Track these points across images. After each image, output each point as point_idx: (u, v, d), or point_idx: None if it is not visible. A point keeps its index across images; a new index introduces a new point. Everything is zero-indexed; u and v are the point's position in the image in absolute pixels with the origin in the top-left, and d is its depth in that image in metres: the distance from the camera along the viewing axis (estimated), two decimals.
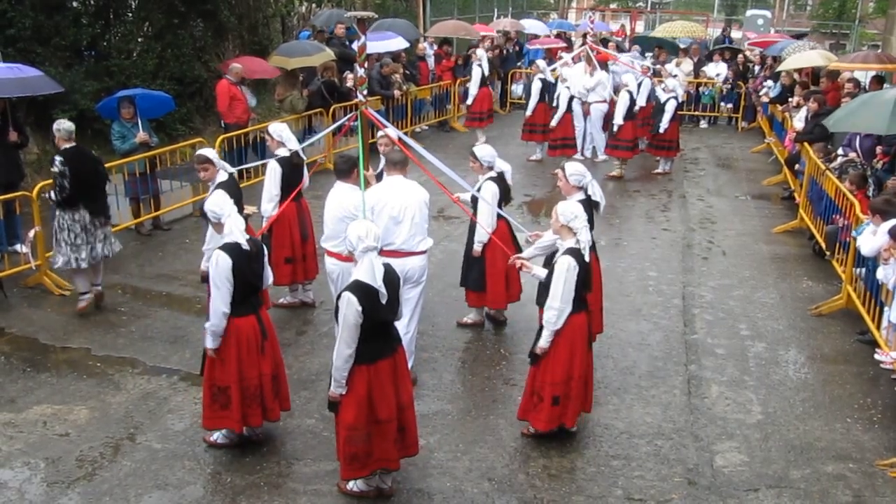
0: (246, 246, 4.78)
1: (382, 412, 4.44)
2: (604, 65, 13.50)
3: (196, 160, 6.43)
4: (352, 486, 4.73)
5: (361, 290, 4.26)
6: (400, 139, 6.43)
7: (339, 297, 4.33)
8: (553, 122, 12.35)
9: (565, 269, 4.91)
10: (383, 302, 4.32)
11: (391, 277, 4.45)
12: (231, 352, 4.84)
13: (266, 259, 5.10)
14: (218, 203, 4.92)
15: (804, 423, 5.65)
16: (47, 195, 7.13)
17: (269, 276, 5.18)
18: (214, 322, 4.80)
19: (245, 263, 4.78)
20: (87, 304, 7.15)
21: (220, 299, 4.76)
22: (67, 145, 7.01)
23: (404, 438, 4.62)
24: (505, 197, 6.70)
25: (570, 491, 4.87)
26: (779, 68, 13.90)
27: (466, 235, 6.91)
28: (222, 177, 6.38)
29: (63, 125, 7.05)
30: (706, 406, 5.85)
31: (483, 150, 6.61)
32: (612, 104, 12.44)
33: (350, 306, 4.22)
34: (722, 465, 5.17)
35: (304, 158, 7.17)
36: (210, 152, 6.49)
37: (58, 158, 6.92)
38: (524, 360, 6.34)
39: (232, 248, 4.75)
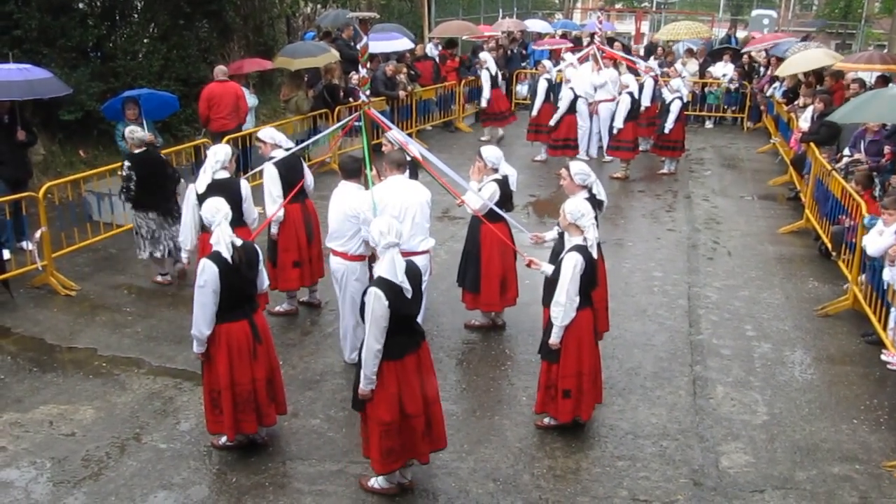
0: (229, 259, 4.70)
1: (410, 407, 4.47)
2: (614, 63, 13.46)
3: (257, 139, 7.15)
4: (373, 482, 4.73)
5: (386, 286, 4.28)
6: (402, 140, 6.43)
7: (364, 293, 4.36)
8: (552, 122, 12.35)
9: (572, 266, 4.97)
10: (408, 297, 4.36)
11: (413, 272, 4.47)
12: (222, 357, 4.80)
13: (261, 264, 5.08)
14: (211, 210, 4.88)
15: (810, 424, 5.64)
16: (118, 196, 7.80)
17: (263, 281, 5.16)
18: (196, 331, 4.77)
19: (233, 271, 4.73)
20: (164, 280, 7.82)
21: (201, 307, 4.71)
22: (137, 150, 7.38)
23: (431, 432, 4.63)
24: (506, 203, 6.59)
25: (575, 492, 4.86)
26: (777, 72, 13.80)
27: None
28: (280, 154, 6.81)
29: (136, 134, 7.43)
30: (712, 407, 5.84)
31: (489, 151, 6.57)
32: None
33: (378, 301, 4.24)
34: (727, 465, 5.16)
35: (305, 155, 7.12)
36: (268, 132, 7.04)
37: (126, 163, 7.40)
38: (529, 360, 6.35)
39: (219, 257, 4.72)
